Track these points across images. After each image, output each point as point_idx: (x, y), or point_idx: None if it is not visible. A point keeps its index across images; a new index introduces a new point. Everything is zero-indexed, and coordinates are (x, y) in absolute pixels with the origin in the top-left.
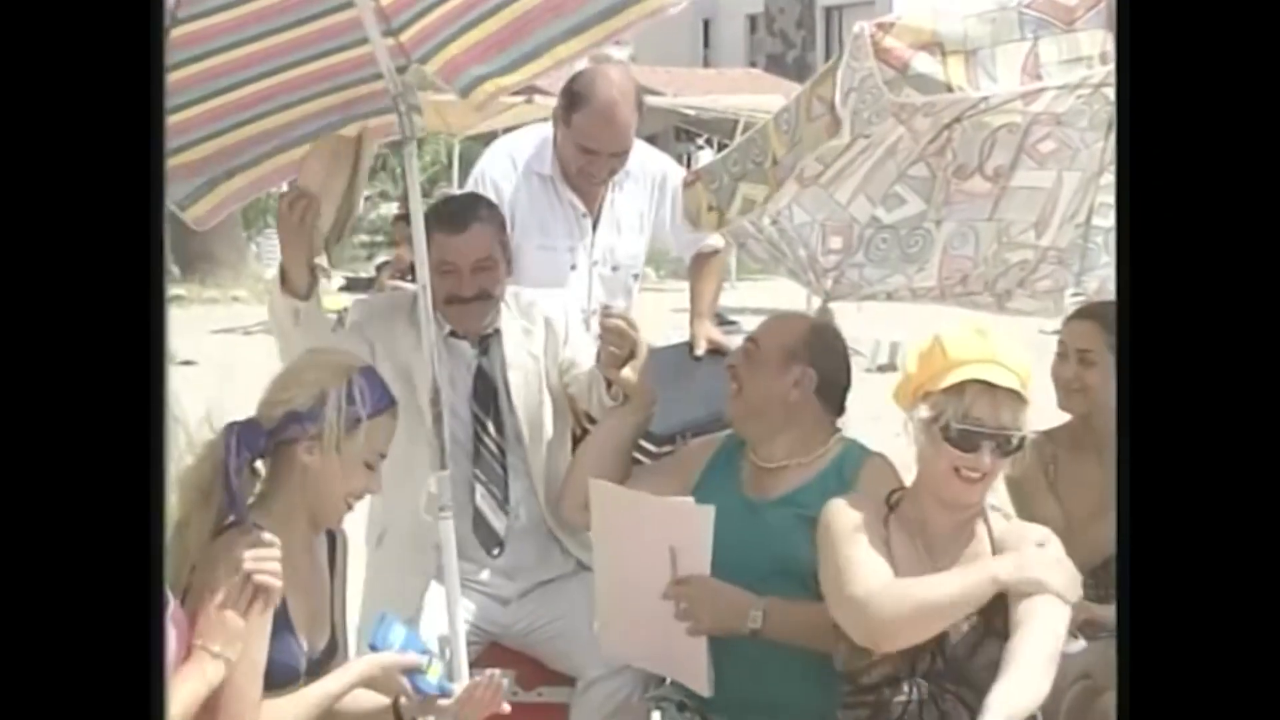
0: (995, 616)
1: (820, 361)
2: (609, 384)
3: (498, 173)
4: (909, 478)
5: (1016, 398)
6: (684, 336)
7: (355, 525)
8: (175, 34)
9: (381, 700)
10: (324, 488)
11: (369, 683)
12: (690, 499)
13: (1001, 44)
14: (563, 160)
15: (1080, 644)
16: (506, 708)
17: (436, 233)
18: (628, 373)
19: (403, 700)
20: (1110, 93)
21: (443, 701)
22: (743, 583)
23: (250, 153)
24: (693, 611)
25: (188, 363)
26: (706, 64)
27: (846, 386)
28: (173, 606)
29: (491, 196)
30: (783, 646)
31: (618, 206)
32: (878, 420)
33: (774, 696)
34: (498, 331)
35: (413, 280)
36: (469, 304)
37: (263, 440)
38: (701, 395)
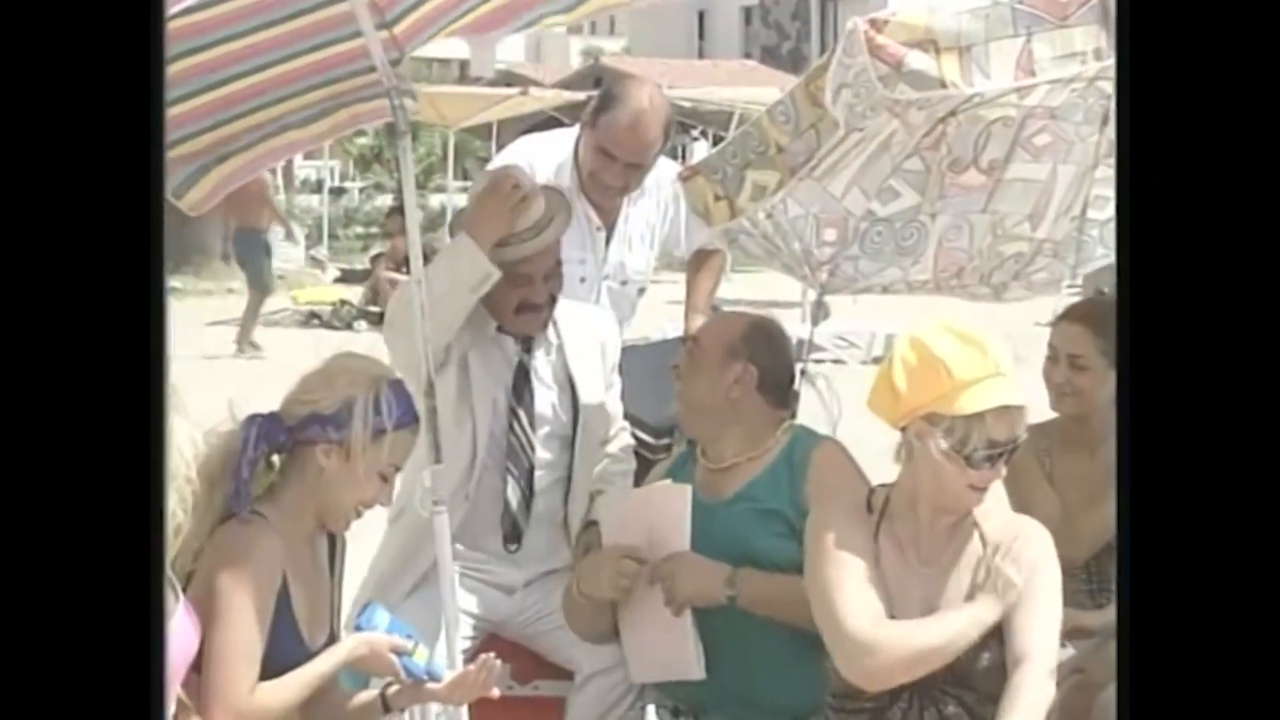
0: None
1: (761, 358)
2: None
3: None
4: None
5: (1021, 406)
6: (679, 330)
7: (357, 525)
8: (169, 28)
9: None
10: (336, 493)
11: (358, 662)
12: (668, 480)
13: (995, 40)
14: (580, 164)
15: (1069, 652)
16: (496, 693)
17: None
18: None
19: (391, 689)
20: (1105, 87)
21: (431, 685)
22: None
23: (243, 140)
24: (673, 586)
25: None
26: (701, 56)
27: (791, 382)
28: (182, 602)
29: None
30: (773, 643)
31: (631, 221)
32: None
33: (768, 696)
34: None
35: (407, 272)
36: (540, 310)
37: (283, 436)
38: None
